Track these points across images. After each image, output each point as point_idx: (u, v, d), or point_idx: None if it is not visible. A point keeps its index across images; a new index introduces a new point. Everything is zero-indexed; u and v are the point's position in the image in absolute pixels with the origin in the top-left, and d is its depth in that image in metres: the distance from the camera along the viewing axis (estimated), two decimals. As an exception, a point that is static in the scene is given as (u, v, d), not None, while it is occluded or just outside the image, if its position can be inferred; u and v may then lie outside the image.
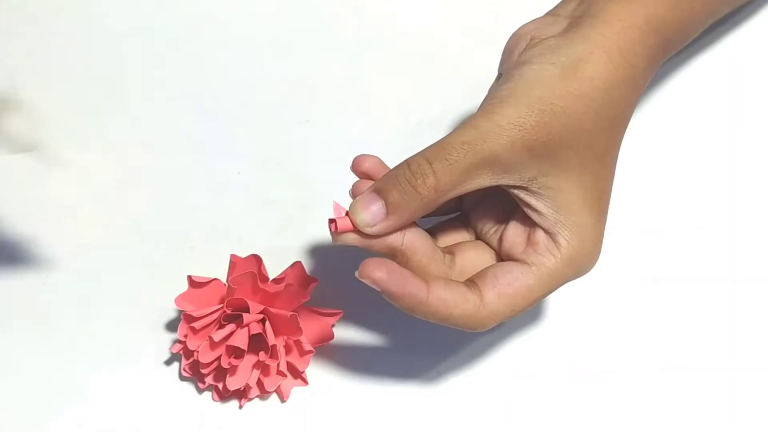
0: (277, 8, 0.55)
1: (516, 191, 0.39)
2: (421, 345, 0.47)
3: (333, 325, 0.46)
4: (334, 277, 0.48)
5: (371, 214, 0.38)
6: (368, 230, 0.38)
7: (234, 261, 0.45)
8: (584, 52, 0.39)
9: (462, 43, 0.54)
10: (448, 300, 0.38)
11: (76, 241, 0.49)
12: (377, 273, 0.38)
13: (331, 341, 0.46)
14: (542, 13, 0.43)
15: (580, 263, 0.40)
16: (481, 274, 0.40)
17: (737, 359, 0.47)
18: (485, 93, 0.44)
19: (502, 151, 0.38)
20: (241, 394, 0.45)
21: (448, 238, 0.43)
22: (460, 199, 0.43)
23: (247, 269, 0.44)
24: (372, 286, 0.38)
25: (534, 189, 0.39)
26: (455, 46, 0.54)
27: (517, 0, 0.54)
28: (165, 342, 0.47)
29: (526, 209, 0.40)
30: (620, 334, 0.47)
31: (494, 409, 0.45)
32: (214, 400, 0.46)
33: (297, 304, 0.44)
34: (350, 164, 0.41)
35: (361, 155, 0.41)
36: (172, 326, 0.47)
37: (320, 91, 0.52)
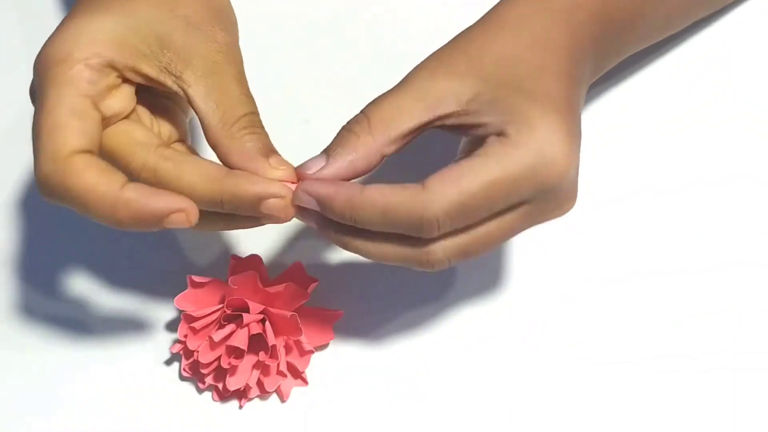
0: (278, 8, 0.55)
1: (455, 120, 0.38)
2: (421, 345, 0.47)
3: (333, 325, 0.46)
4: (334, 277, 0.48)
5: (314, 163, 0.38)
6: (314, 176, 0.38)
7: (234, 261, 0.45)
8: (529, 13, 0.40)
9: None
10: (385, 190, 0.36)
11: (76, 240, 0.49)
12: (308, 186, 0.37)
13: (331, 341, 0.46)
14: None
15: (541, 160, 0.36)
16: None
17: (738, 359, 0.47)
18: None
19: (425, 83, 0.38)
20: (241, 394, 0.45)
21: None
22: None
23: (247, 269, 0.44)
24: (306, 203, 0.37)
25: (473, 108, 0.38)
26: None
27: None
28: (165, 342, 0.47)
29: (472, 132, 0.38)
30: (619, 326, 0.47)
31: (494, 409, 0.45)
32: (214, 400, 0.46)
33: (297, 304, 0.44)
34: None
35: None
36: (172, 326, 0.47)
37: (320, 91, 0.52)
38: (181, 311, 0.45)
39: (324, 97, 0.52)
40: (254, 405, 0.46)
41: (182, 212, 0.37)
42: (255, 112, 0.40)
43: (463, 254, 0.38)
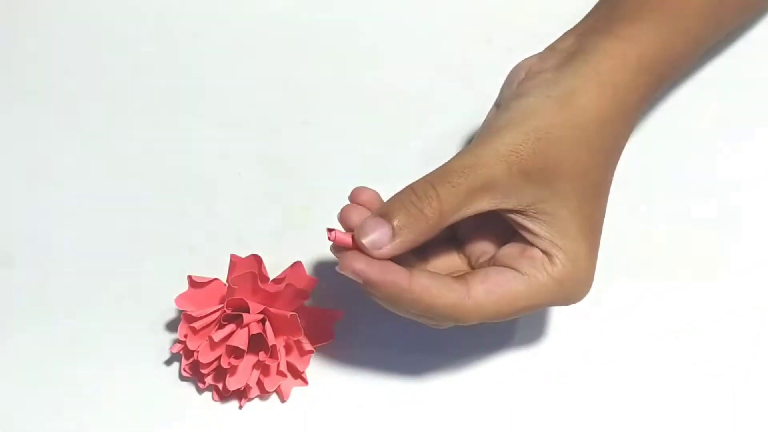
0: (278, 9, 0.55)
1: (513, 215, 0.40)
2: (421, 345, 0.47)
3: (333, 325, 0.46)
4: (334, 277, 0.48)
5: (379, 235, 0.39)
6: (376, 253, 0.39)
7: (234, 261, 0.45)
8: (579, 85, 0.41)
9: (464, 46, 0.54)
10: (432, 288, 0.39)
11: (76, 240, 0.49)
12: (357, 264, 0.38)
13: (331, 341, 0.46)
14: (556, 29, 0.45)
15: (571, 289, 0.41)
16: (473, 271, 0.41)
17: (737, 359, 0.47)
18: (488, 101, 0.44)
19: (500, 176, 0.39)
20: (241, 394, 0.45)
21: (443, 267, 0.43)
22: (454, 228, 0.43)
23: (247, 269, 0.44)
24: (352, 277, 0.38)
25: (531, 214, 0.40)
26: (457, 48, 0.54)
27: (522, 8, 0.54)
28: (165, 342, 0.47)
29: (523, 232, 0.40)
30: (623, 336, 0.47)
31: (494, 409, 0.45)
32: (214, 400, 0.46)
33: (297, 304, 0.44)
34: (349, 194, 0.41)
35: (359, 187, 0.42)
36: (172, 326, 0.47)
37: (320, 92, 0.52)
38: (181, 311, 0.45)
39: (324, 97, 0.52)
40: (254, 405, 0.46)
41: None
42: None
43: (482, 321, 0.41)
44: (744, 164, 0.51)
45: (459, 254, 0.44)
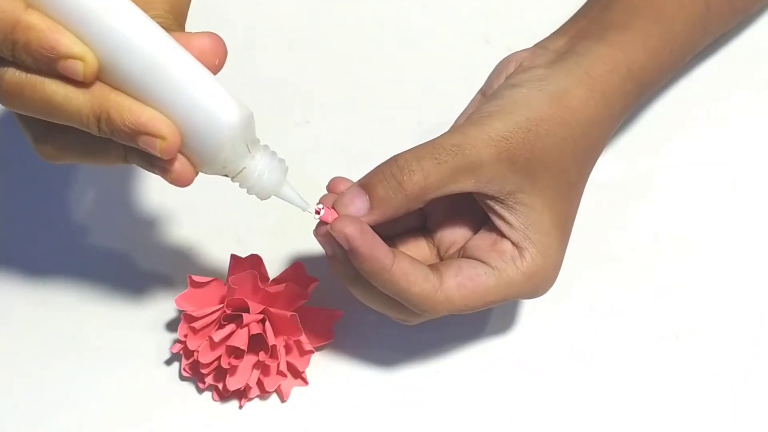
0: (278, 8, 0.55)
1: (492, 203, 0.41)
2: (421, 345, 0.47)
3: (333, 325, 0.46)
4: (334, 277, 0.48)
5: (356, 207, 0.39)
6: (349, 210, 0.39)
7: (234, 261, 0.45)
8: (570, 85, 0.42)
9: (463, 46, 0.54)
10: (410, 275, 0.39)
11: (76, 240, 0.49)
12: (350, 228, 0.38)
13: (331, 341, 0.46)
14: (555, 29, 0.46)
15: (539, 283, 0.41)
16: (446, 262, 0.41)
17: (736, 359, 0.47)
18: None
19: (487, 160, 0.39)
20: (241, 394, 0.45)
21: (412, 254, 0.43)
22: (425, 215, 0.44)
23: (247, 269, 0.44)
24: (342, 242, 0.39)
25: (510, 203, 0.41)
26: (456, 49, 0.54)
27: (521, 8, 0.54)
28: (165, 342, 0.47)
29: (497, 221, 0.41)
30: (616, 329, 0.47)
31: (494, 409, 0.45)
32: (214, 400, 0.46)
33: (297, 304, 0.44)
34: (326, 184, 0.42)
35: (337, 178, 0.42)
36: (172, 326, 0.47)
37: (320, 92, 0.52)
38: (181, 311, 0.45)
39: (324, 97, 0.52)
40: (254, 405, 0.46)
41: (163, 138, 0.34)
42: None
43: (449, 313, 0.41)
44: (744, 164, 0.51)
45: (428, 243, 0.44)
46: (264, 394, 0.45)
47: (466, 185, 0.40)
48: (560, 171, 0.41)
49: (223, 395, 0.45)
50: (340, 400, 0.46)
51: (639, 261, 0.49)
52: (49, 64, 0.33)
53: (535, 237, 0.41)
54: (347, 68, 0.53)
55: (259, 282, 0.44)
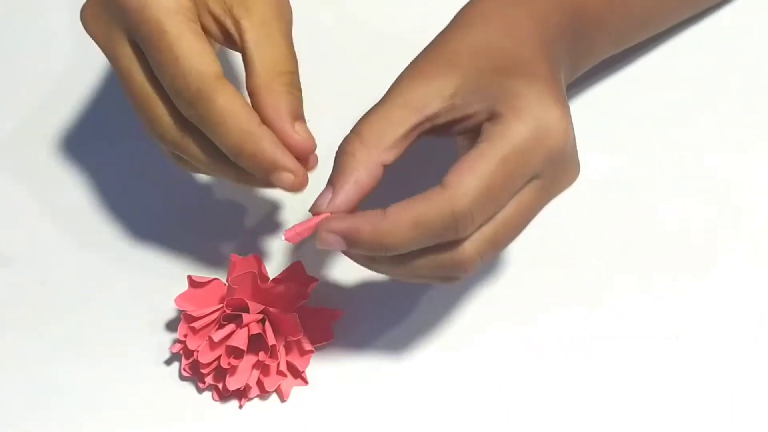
0: (277, 8, 0.55)
1: (444, 118, 0.38)
2: (421, 345, 0.47)
3: (333, 325, 0.46)
4: (334, 277, 0.48)
5: (321, 198, 0.39)
6: (323, 210, 0.39)
7: (234, 261, 0.45)
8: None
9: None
10: (408, 203, 0.36)
11: (76, 240, 0.49)
12: (327, 232, 0.37)
13: (331, 341, 0.46)
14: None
15: (539, 123, 0.37)
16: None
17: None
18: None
19: (407, 86, 0.39)
20: (241, 394, 0.45)
21: None
22: None
23: (247, 269, 0.44)
24: (337, 247, 0.38)
25: (459, 102, 0.38)
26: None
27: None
28: (165, 342, 0.47)
29: (464, 125, 0.39)
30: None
31: (494, 409, 0.45)
32: (214, 399, 0.46)
33: (297, 304, 0.44)
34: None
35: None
36: (172, 326, 0.47)
37: (320, 91, 0.52)
38: (181, 311, 0.45)
39: (324, 97, 0.52)
40: (254, 405, 0.46)
41: (291, 174, 0.39)
42: (296, 72, 0.42)
43: (492, 246, 0.38)
44: (744, 164, 0.51)
45: None
46: (264, 393, 0.45)
47: (406, 120, 0.38)
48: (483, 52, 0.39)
49: (223, 395, 0.45)
50: (340, 400, 0.46)
51: (639, 261, 0.48)
52: (266, 174, 0.39)
53: (504, 96, 0.37)
54: (347, 68, 0.53)
55: (259, 282, 0.44)
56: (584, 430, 0.45)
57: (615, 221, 0.49)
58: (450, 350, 0.47)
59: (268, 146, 0.39)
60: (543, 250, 0.48)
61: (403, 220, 0.36)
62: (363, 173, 0.38)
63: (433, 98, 0.38)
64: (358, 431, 0.45)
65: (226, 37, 0.41)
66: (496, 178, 0.36)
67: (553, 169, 0.38)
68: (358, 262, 0.40)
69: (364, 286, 0.48)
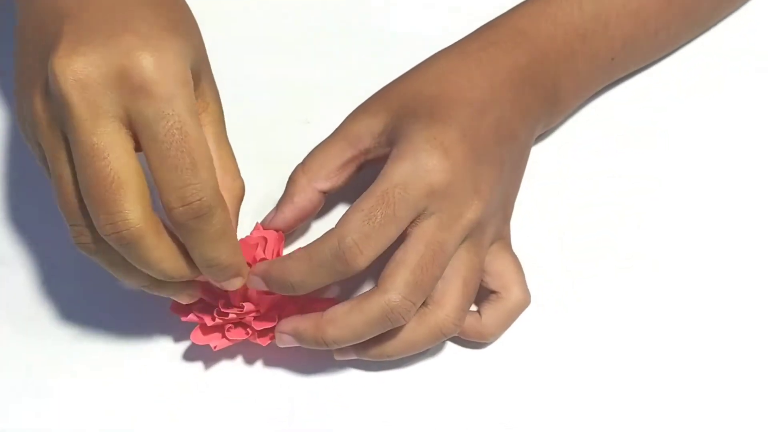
0: (278, 7, 0.55)
1: (373, 153, 0.44)
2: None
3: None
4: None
5: (267, 215, 0.46)
6: (266, 223, 0.45)
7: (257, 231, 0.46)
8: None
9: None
10: (308, 246, 0.42)
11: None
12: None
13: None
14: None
15: (417, 163, 0.40)
16: None
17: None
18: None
19: (349, 122, 0.44)
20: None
21: None
22: None
23: (265, 243, 0.45)
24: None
25: (383, 140, 0.43)
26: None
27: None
28: (166, 342, 0.47)
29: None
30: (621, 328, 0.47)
31: (494, 409, 0.46)
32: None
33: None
34: None
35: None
36: (172, 326, 0.47)
37: (320, 91, 0.53)
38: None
39: (324, 97, 0.52)
40: (255, 404, 0.46)
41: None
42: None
43: (412, 285, 0.40)
44: (744, 163, 0.51)
45: None
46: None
47: (342, 153, 0.44)
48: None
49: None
50: (340, 400, 0.46)
51: (639, 261, 0.49)
52: (224, 277, 0.41)
53: (401, 138, 0.42)
54: (347, 68, 0.53)
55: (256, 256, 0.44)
56: (584, 429, 0.45)
57: (614, 221, 0.50)
58: (450, 350, 0.47)
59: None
60: (542, 249, 0.48)
61: (300, 257, 0.41)
62: (301, 197, 0.45)
63: (365, 135, 0.44)
64: (357, 431, 0.45)
65: None
66: (374, 209, 0.40)
67: (446, 205, 0.41)
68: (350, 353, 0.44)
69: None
